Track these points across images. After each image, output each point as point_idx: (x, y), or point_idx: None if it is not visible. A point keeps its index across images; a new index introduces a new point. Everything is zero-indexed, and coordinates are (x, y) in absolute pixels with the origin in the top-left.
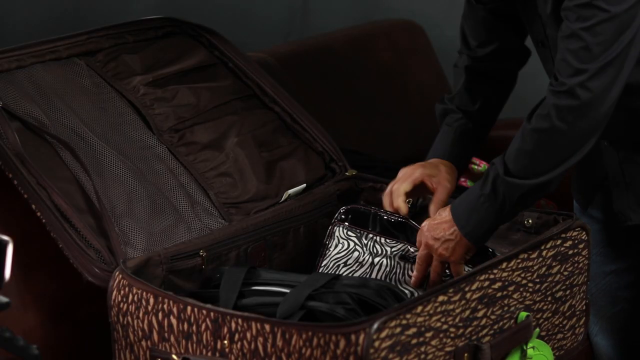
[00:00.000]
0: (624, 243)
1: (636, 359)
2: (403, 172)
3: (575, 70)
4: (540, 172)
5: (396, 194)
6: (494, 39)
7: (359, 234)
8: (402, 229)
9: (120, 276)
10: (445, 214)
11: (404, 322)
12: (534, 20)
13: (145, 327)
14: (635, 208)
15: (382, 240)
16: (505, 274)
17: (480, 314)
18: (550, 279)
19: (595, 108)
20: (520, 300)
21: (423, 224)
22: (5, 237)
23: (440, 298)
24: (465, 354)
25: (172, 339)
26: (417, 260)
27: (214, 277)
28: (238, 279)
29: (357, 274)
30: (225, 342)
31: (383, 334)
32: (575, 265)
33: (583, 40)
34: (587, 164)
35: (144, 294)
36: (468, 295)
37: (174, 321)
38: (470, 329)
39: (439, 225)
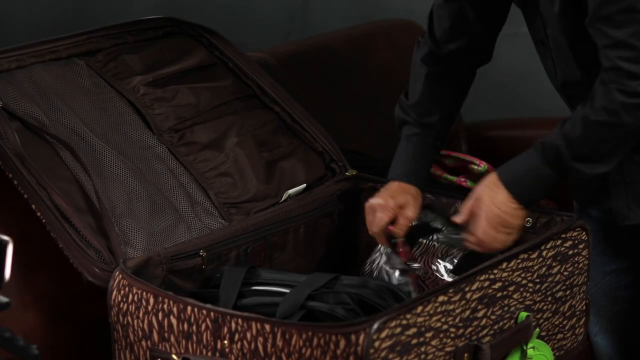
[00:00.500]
0: (624, 243)
1: (636, 359)
2: (378, 204)
3: (635, 75)
4: (601, 160)
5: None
6: (464, 35)
7: None
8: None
9: (120, 276)
10: (507, 204)
11: (404, 322)
12: (535, 18)
13: (145, 327)
14: (634, 207)
15: None
16: (505, 274)
17: (480, 314)
18: (550, 279)
19: None
20: (520, 300)
21: (479, 224)
22: (5, 237)
23: (440, 298)
24: (465, 354)
25: (172, 339)
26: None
27: (214, 277)
28: (238, 279)
29: None
30: (225, 342)
31: (383, 334)
32: (575, 265)
33: (634, 47)
34: (611, 176)
35: (144, 294)
36: (468, 296)
37: (174, 321)
38: (470, 329)
39: (506, 220)
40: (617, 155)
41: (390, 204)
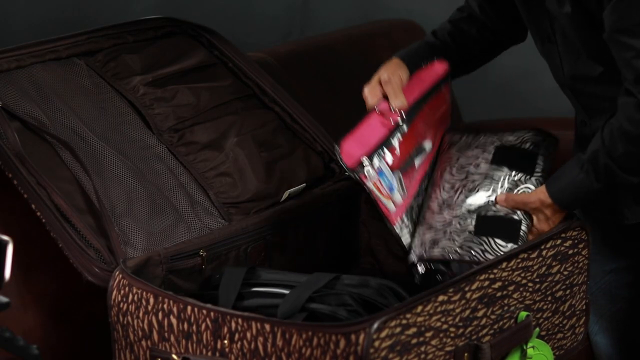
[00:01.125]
0: (623, 242)
1: (636, 358)
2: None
3: None
4: None
5: (397, 86)
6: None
7: None
8: None
9: (120, 276)
10: (557, 210)
11: (404, 321)
12: (540, 16)
13: (145, 326)
14: (632, 207)
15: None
16: (505, 274)
17: (480, 313)
18: (550, 278)
19: None
20: (520, 299)
21: (540, 230)
22: (5, 237)
23: (440, 298)
24: (465, 354)
25: (172, 338)
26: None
27: (213, 278)
28: (238, 280)
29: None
30: (225, 341)
31: (383, 334)
32: (575, 264)
33: None
34: None
35: (144, 293)
36: (468, 295)
37: (174, 321)
38: (470, 328)
39: (558, 221)
40: None
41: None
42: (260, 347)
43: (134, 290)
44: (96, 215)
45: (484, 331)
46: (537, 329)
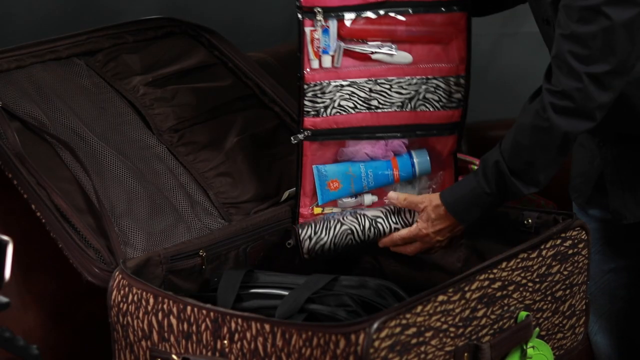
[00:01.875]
0: (623, 242)
1: (636, 358)
2: None
3: (575, 73)
4: (534, 177)
5: None
6: None
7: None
8: None
9: (120, 276)
10: (444, 219)
11: (404, 321)
12: None
13: (145, 327)
14: (631, 206)
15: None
16: (505, 274)
17: (480, 313)
18: (550, 278)
19: (590, 111)
20: (520, 299)
21: (423, 231)
22: (5, 237)
23: (440, 298)
24: (465, 354)
25: (172, 339)
26: (392, 241)
27: (212, 281)
28: (236, 282)
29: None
30: (225, 342)
31: (383, 334)
32: (575, 264)
33: (588, 47)
34: (584, 163)
35: (144, 294)
36: (468, 295)
37: (173, 321)
38: (470, 328)
39: (443, 230)
40: (548, 171)
41: None
42: (260, 347)
43: (134, 291)
44: (96, 215)
45: (484, 331)
46: (537, 329)
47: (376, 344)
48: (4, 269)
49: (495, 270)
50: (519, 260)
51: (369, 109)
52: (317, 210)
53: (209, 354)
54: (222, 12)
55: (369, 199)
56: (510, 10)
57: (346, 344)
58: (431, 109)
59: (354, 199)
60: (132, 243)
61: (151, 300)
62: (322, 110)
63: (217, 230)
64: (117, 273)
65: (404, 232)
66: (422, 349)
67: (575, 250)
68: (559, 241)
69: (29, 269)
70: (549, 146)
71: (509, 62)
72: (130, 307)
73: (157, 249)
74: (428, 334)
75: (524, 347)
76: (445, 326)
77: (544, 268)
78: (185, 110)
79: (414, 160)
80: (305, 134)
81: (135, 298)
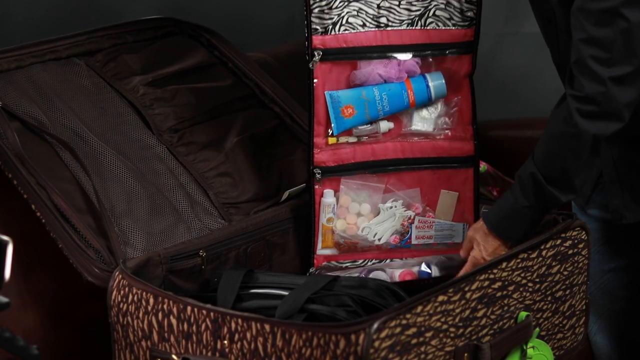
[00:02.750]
0: (622, 242)
1: (636, 357)
2: None
3: (598, 77)
4: (570, 183)
5: None
6: None
7: None
8: None
9: (120, 276)
10: (494, 241)
11: (404, 322)
12: None
13: (145, 327)
14: (630, 206)
15: None
16: (505, 274)
17: (480, 313)
18: (550, 278)
19: (617, 112)
20: (520, 300)
21: (479, 259)
22: (5, 237)
23: (440, 298)
24: (465, 354)
25: (172, 339)
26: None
27: (211, 282)
28: (236, 282)
29: None
30: (225, 342)
31: (383, 334)
32: (575, 264)
33: (608, 50)
34: (606, 175)
35: (144, 294)
36: (468, 295)
37: (173, 321)
38: (470, 328)
39: (494, 250)
40: (587, 178)
41: None
42: (260, 347)
43: (134, 291)
44: (96, 215)
45: (484, 331)
46: (537, 329)
47: (376, 344)
48: (4, 269)
49: (495, 271)
50: (519, 260)
51: (378, 26)
52: (332, 140)
53: (209, 354)
54: (222, 12)
55: (385, 125)
56: (511, 10)
57: (346, 344)
58: (442, 27)
59: (369, 126)
60: (132, 243)
61: (151, 301)
62: (330, 27)
63: (217, 230)
64: (117, 273)
65: (463, 271)
66: (422, 349)
67: (575, 250)
68: (559, 241)
69: (29, 269)
70: (580, 151)
71: (509, 62)
72: (130, 307)
73: (157, 249)
74: (428, 334)
75: (524, 347)
76: (445, 326)
77: (544, 268)
78: (185, 110)
79: (429, 82)
80: (316, 54)
81: (135, 298)
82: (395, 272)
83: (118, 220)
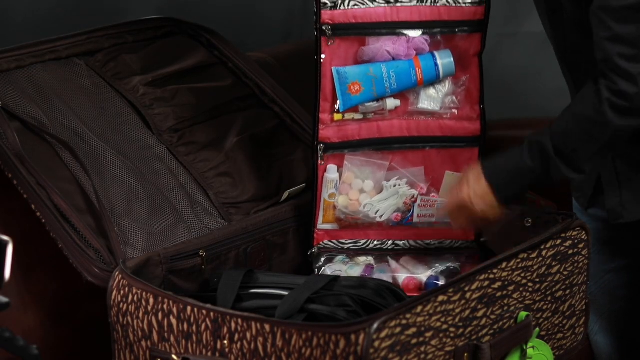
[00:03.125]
0: (622, 242)
1: (636, 357)
2: None
3: (630, 76)
4: (578, 163)
5: None
6: None
7: None
8: None
9: (120, 276)
10: (484, 186)
11: (404, 322)
12: None
13: (145, 327)
14: (628, 205)
15: None
16: (505, 274)
17: (480, 313)
18: (550, 278)
19: None
20: (520, 300)
21: (463, 197)
22: (5, 237)
23: (440, 298)
24: (465, 354)
25: (172, 339)
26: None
27: (211, 282)
28: (236, 282)
29: None
30: (225, 342)
31: (383, 334)
32: (575, 264)
33: (634, 46)
34: (603, 175)
35: (144, 294)
36: (468, 295)
37: (173, 321)
38: (470, 328)
39: (485, 197)
40: (596, 159)
41: None
42: (260, 347)
43: (134, 291)
44: (96, 215)
45: (484, 331)
46: (537, 329)
47: (376, 344)
48: (4, 269)
49: (495, 271)
50: (519, 260)
51: (388, 2)
52: (338, 116)
53: (209, 354)
54: (222, 12)
55: (391, 103)
56: (511, 10)
57: (346, 344)
58: (453, 4)
59: (376, 103)
60: (132, 243)
61: (151, 301)
62: (339, 2)
63: (217, 230)
64: (117, 273)
65: (446, 207)
66: (422, 349)
67: (576, 250)
68: (559, 241)
69: (29, 269)
70: (599, 139)
71: (509, 62)
72: (130, 307)
73: (157, 249)
74: (428, 334)
75: (524, 347)
76: (445, 326)
77: (544, 268)
78: (185, 110)
79: (437, 60)
80: (325, 29)
81: (135, 298)
82: (399, 277)
83: (118, 220)
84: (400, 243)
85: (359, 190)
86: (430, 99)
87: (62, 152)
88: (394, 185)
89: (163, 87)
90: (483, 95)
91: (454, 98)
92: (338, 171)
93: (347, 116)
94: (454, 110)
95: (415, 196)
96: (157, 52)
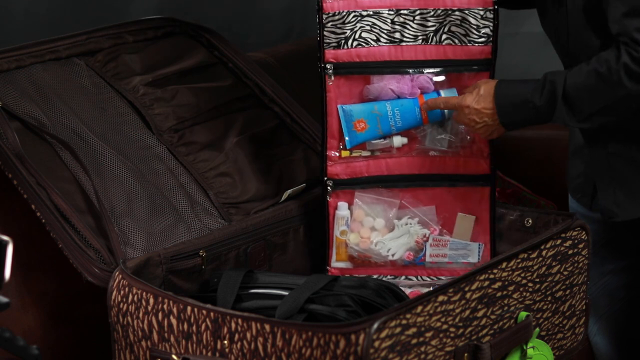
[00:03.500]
0: (621, 243)
1: (636, 358)
2: None
3: None
4: (582, 114)
5: None
6: None
7: None
8: None
9: (120, 276)
10: (489, 103)
11: (404, 322)
12: None
13: (145, 327)
14: (622, 203)
15: None
16: (505, 274)
17: (480, 313)
18: (550, 278)
19: None
20: (520, 300)
21: (466, 101)
22: (5, 237)
23: (440, 298)
24: (465, 354)
25: (172, 339)
26: (436, 104)
27: (211, 282)
28: (236, 282)
29: None
30: (225, 342)
31: (383, 334)
32: (575, 265)
33: None
34: (581, 163)
35: (144, 294)
36: (468, 295)
37: (173, 321)
38: (470, 328)
39: (482, 111)
40: (598, 118)
41: None
42: (260, 347)
43: (134, 291)
44: (96, 215)
45: (484, 331)
46: (537, 329)
47: (376, 344)
48: (4, 269)
49: (495, 271)
50: (519, 260)
51: (392, 42)
52: (345, 153)
53: (209, 354)
54: (222, 12)
55: (398, 140)
56: (511, 10)
57: (346, 344)
58: (458, 43)
59: (383, 140)
60: (132, 243)
61: (151, 301)
62: (342, 42)
63: (217, 230)
64: (117, 273)
65: (448, 98)
66: (422, 349)
67: (576, 250)
68: (559, 241)
69: (29, 269)
70: (605, 97)
71: (509, 62)
72: (130, 307)
73: (157, 249)
74: (428, 334)
75: (524, 347)
76: (445, 326)
77: (544, 268)
78: (185, 110)
79: None
80: (328, 67)
81: (135, 298)
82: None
83: (118, 220)
84: (413, 278)
85: (370, 227)
86: (438, 138)
87: (62, 152)
88: (406, 224)
89: (163, 87)
90: None
91: (462, 136)
92: (349, 208)
93: (355, 153)
94: (463, 149)
95: (427, 235)
96: (157, 52)
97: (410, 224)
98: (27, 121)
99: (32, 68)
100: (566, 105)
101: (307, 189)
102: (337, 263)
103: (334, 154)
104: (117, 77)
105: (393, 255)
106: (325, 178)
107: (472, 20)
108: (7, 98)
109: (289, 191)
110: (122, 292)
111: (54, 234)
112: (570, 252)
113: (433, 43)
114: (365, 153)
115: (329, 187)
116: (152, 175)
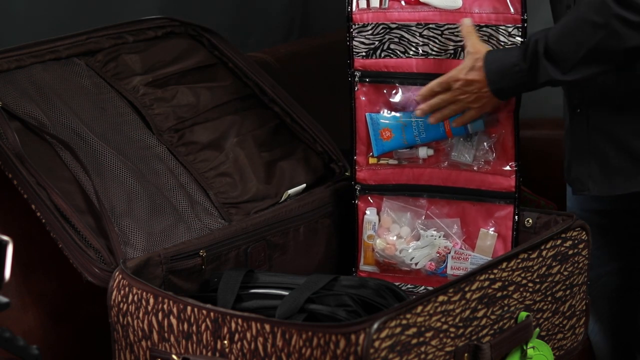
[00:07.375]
0: (620, 244)
1: (635, 358)
2: None
3: None
4: (567, 65)
5: None
6: None
7: None
8: None
9: (120, 276)
10: (478, 73)
11: (404, 322)
12: None
13: (145, 327)
14: (596, 178)
15: None
16: (505, 274)
17: (480, 313)
18: (550, 278)
19: None
20: (520, 300)
21: (453, 75)
22: (5, 237)
23: (440, 298)
24: (465, 354)
25: (172, 339)
26: (429, 89)
27: (212, 282)
28: (236, 282)
29: None
30: (225, 342)
31: (383, 334)
32: (575, 265)
33: None
34: (567, 139)
35: (144, 294)
36: (468, 295)
37: (174, 321)
38: (470, 329)
39: (472, 83)
40: (583, 68)
41: None
42: (260, 347)
43: (134, 291)
44: (96, 215)
45: (484, 331)
46: (537, 329)
47: (376, 344)
48: (4, 269)
49: (495, 271)
50: (519, 260)
51: (420, 54)
52: (372, 160)
53: (209, 354)
54: (222, 12)
55: (423, 151)
56: None
57: (346, 344)
58: None
59: (409, 150)
60: (132, 243)
61: (151, 301)
62: (371, 52)
63: (217, 230)
64: (117, 273)
65: (440, 77)
66: (422, 349)
67: (576, 250)
68: (559, 241)
69: (29, 269)
70: (595, 40)
71: None
72: (130, 307)
73: (157, 249)
74: (428, 334)
75: (524, 348)
76: (445, 326)
77: (544, 268)
78: (185, 110)
79: None
80: (357, 74)
81: (135, 298)
82: None
83: (118, 220)
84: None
85: (397, 234)
86: (464, 151)
87: (62, 152)
88: (431, 236)
89: (163, 87)
90: (519, 152)
91: (488, 153)
92: (377, 214)
93: (382, 160)
94: (487, 166)
95: (449, 247)
96: (157, 52)
97: (435, 236)
98: (27, 121)
99: (32, 68)
100: (549, 60)
101: (306, 189)
102: (365, 266)
103: (362, 159)
104: (117, 77)
105: (416, 264)
106: (353, 182)
107: (500, 37)
108: (7, 98)
109: (289, 191)
110: (122, 292)
111: (54, 234)
112: (571, 252)
113: (461, 58)
114: (393, 161)
115: (357, 192)
116: (152, 175)
